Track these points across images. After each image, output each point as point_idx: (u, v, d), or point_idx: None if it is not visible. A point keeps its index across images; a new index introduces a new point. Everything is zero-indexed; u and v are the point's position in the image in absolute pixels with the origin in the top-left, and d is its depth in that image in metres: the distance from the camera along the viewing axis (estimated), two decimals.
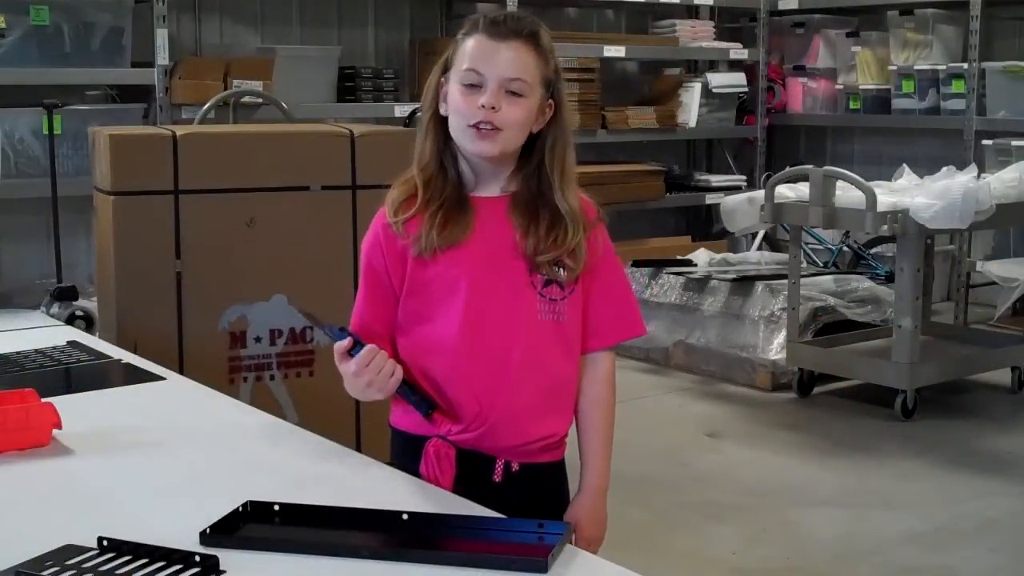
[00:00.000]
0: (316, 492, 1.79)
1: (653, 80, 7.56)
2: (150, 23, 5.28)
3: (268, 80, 5.35)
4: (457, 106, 1.93)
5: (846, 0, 7.27)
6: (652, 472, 4.23)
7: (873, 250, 6.55)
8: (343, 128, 3.54)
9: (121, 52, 5.29)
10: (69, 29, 5.13)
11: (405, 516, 1.69)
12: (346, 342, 1.89)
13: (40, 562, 1.54)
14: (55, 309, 4.11)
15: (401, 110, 5.85)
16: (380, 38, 6.55)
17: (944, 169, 5.01)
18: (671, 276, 5.84)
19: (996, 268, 6.11)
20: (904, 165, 5.39)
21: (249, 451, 2.11)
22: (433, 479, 1.95)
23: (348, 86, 5.98)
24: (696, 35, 7.29)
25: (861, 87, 7.16)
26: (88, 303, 4.18)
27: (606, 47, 6.77)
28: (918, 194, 4.72)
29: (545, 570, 1.54)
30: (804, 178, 4.96)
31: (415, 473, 1.96)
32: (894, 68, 6.96)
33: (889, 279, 5.94)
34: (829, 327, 5.37)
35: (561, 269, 1.96)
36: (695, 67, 7.66)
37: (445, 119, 1.96)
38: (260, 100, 5.25)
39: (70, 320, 3.94)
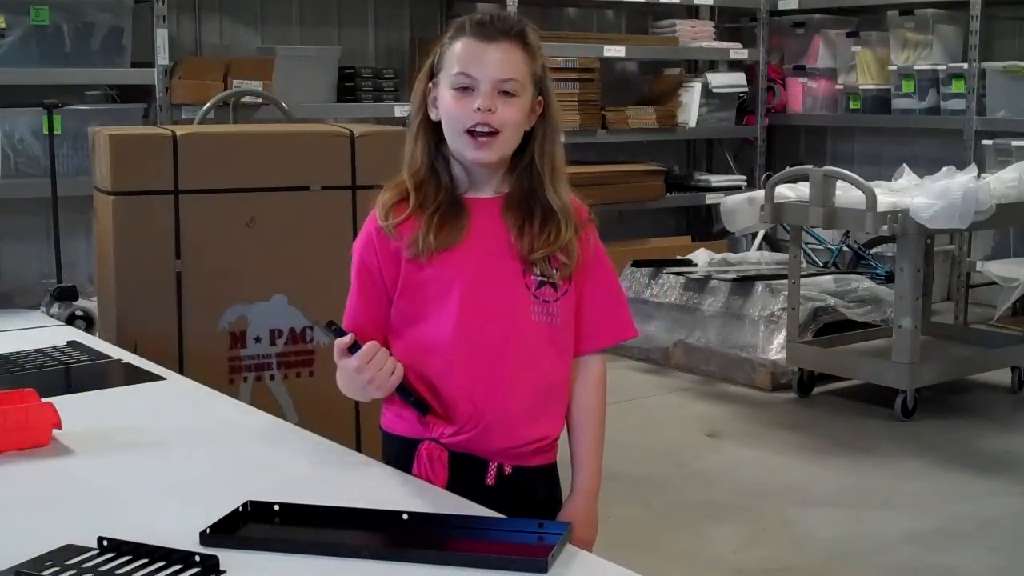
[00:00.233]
0: (316, 492, 1.79)
1: (653, 80, 7.56)
2: (150, 23, 5.28)
3: (268, 80, 5.35)
4: (451, 111, 1.92)
5: (846, 0, 7.27)
6: (652, 472, 4.23)
7: (873, 250, 6.56)
8: (343, 128, 3.53)
9: (121, 52, 5.29)
10: (69, 29, 5.13)
11: (405, 516, 1.69)
12: (347, 338, 1.89)
13: (40, 562, 1.54)
14: (55, 309, 4.11)
15: (401, 110, 5.84)
16: (380, 38, 6.55)
17: (944, 169, 5.01)
18: (671, 276, 5.84)
19: (996, 268, 6.11)
20: (904, 165, 5.39)
21: (249, 451, 2.11)
22: (426, 482, 1.94)
23: (348, 86, 5.98)
24: (696, 35, 7.29)
25: (861, 87, 7.16)
26: (88, 303, 4.18)
27: (606, 47, 6.77)
28: (918, 194, 4.72)
29: (545, 570, 1.54)
30: (804, 178, 4.96)
31: None
32: (894, 68, 6.96)
33: (889, 279, 5.94)
34: (829, 327, 5.37)
35: (555, 268, 1.96)
36: (695, 67, 7.65)
37: (434, 123, 1.96)
38: (260, 100, 5.25)
39: (70, 320, 3.95)
